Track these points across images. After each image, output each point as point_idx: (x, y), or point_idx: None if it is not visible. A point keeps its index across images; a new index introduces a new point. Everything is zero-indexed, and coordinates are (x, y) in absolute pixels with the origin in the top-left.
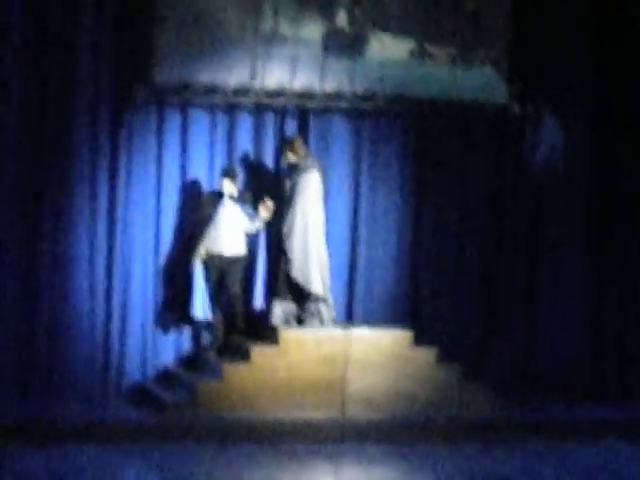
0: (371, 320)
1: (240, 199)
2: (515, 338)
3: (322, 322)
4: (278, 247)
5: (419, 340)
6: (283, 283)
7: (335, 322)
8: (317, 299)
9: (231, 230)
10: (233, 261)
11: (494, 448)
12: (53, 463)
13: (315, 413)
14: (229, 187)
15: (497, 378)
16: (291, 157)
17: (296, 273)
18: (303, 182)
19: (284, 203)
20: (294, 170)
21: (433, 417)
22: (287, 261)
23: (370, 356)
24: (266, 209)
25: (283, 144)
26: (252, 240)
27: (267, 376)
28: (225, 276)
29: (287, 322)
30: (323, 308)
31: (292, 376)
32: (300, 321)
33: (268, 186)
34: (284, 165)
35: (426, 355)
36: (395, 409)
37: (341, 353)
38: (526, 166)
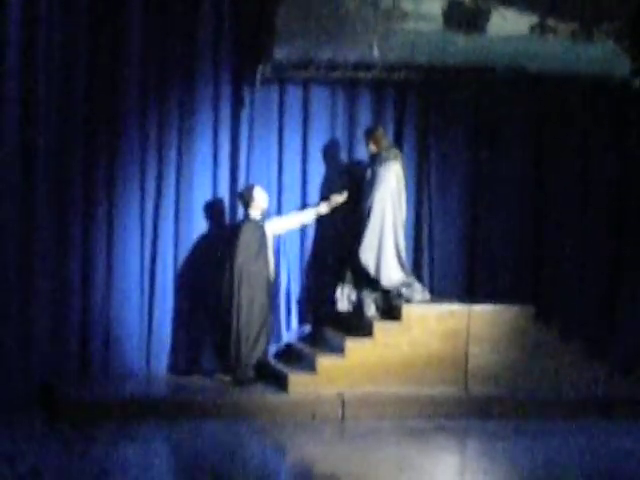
0: (493, 295)
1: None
2: (638, 317)
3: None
4: (352, 233)
5: (541, 316)
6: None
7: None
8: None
9: None
10: None
11: (615, 425)
12: (183, 439)
13: (437, 388)
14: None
15: (618, 355)
16: (372, 147)
17: (365, 259)
18: (383, 173)
19: (363, 192)
20: (375, 160)
21: (554, 393)
22: (358, 245)
23: (492, 332)
24: (340, 197)
25: (365, 134)
26: None
27: (389, 351)
28: None
29: (353, 306)
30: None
31: (414, 351)
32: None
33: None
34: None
35: (548, 331)
36: (517, 385)
37: (463, 328)
38: None
